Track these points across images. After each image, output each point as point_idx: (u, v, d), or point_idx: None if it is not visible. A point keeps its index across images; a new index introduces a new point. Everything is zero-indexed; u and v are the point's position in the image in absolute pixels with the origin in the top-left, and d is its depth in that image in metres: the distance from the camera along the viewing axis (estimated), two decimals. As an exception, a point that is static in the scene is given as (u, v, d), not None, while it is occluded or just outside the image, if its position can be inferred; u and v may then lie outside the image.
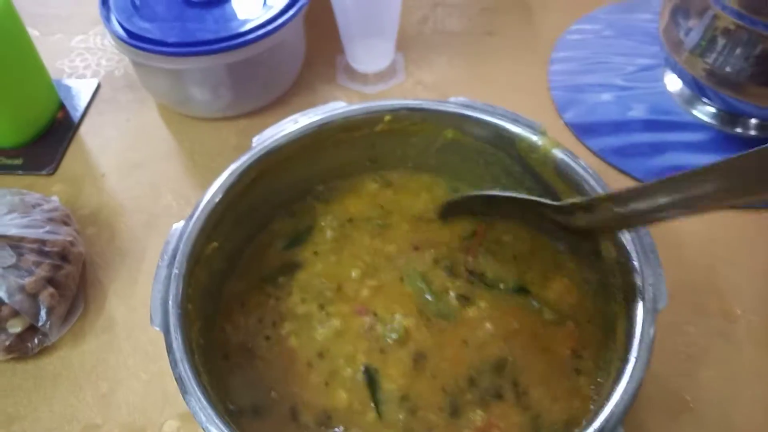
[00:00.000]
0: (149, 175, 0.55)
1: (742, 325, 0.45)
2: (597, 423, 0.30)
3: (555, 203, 0.38)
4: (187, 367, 0.32)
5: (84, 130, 0.59)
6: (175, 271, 0.35)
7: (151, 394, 0.43)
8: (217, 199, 0.38)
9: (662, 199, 0.31)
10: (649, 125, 0.57)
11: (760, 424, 0.41)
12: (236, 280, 0.42)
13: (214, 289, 0.40)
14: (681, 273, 0.47)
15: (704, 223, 0.51)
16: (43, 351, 0.45)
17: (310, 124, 0.42)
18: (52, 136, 0.58)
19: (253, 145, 0.41)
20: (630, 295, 0.35)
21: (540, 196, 0.43)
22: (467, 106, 0.42)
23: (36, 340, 0.44)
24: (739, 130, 0.56)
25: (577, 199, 0.37)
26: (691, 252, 0.49)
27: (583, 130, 0.57)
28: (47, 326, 0.44)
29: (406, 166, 0.47)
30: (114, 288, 0.48)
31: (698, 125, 0.57)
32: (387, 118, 0.43)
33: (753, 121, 0.55)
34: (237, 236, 0.41)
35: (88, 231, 0.51)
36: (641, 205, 0.32)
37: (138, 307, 0.47)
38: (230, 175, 0.39)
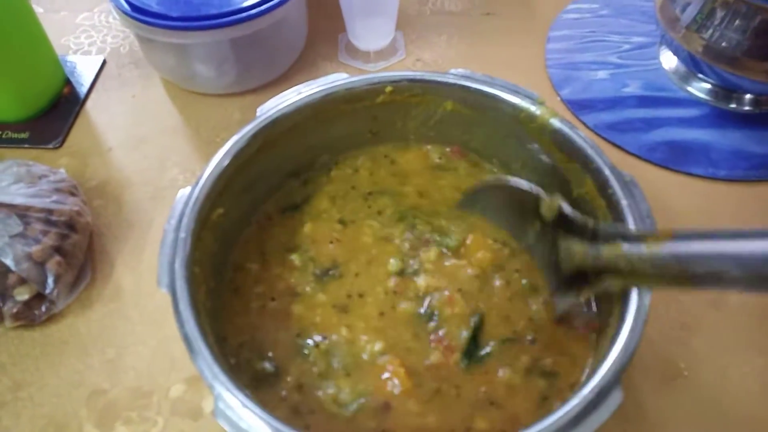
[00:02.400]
0: (155, 149, 0.56)
1: (735, 295, 0.46)
2: (595, 380, 0.31)
3: (588, 222, 0.35)
4: (194, 327, 0.33)
5: (90, 105, 0.60)
6: (182, 234, 0.36)
7: (158, 359, 0.44)
8: (223, 165, 0.39)
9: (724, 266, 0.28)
10: (644, 101, 0.58)
11: (752, 392, 0.42)
12: (241, 248, 0.42)
13: (220, 256, 0.41)
14: (675, 244, 0.48)
15: (697, 195, 0.52)
16: (51, 319, 0.46)
17: (313, 94, 0.42)
18: (58, 111, 0.59)
19: (258, 115, 0.41)
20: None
21: (539, 164, 0.44)
22: (467, 78, 0.43)
23: (43, 308, 0.45)
24: (733, 105, 0.57)
25: (613, 227, 0.34)
26: (684, 223, 0.50)
27: (579, 107, 0.58)
28: (54, 294, 0.45)
29: (407, 138, 0.48)
30: (121, 258, 0.49)
31: (692, 101, 0.57)
32: (388, 89, 0.43)
33: (747, 96, 0.56)
34: (243, 204, 0.42)
35: (95, 203, 0.52)
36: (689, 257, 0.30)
37: (145, 276, 0.48)
38: (236, 142, 0.40)
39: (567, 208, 0.37)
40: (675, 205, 0.51)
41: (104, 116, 0.59)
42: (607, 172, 0.38)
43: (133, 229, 0.51)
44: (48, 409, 0.42)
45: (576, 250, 0.36)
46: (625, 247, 0.32)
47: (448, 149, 0.47)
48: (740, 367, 0.43)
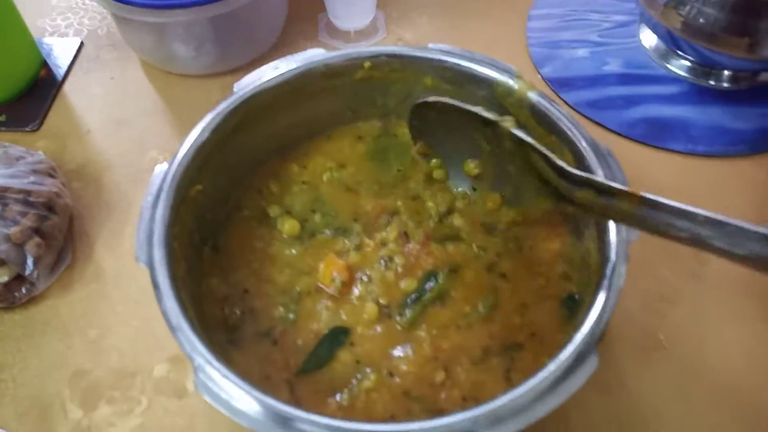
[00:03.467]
0: (134, 131, 0.55)
1: (714, 266, 0.46)
2: (571, 346, 0.31)
3: (559, 163, 0.35)
4: (173, 300, 0.32)
5: (68, 88, 0.59)
6: (159, 210, 0.35)
7: (141, 339, 0.44)
8: (202, 140, 0.39)
9: (692, 229, 0.30)
10: (624, 79, 0.58)
11: (735, 363, 0.42)
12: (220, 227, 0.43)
13: (200, 235, 0.40)
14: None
15: (676, 171, 0.52)
16: (31, 300, 0.46)
17: (291, 70, 0.42)
18: (35, 94, 0.58)
19: (235, 90, 0.41)
20: (602, 229, 0.36)
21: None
22: (446, 53, 0.43)
23: (23, 290, 0.45)
24: (712, 82, 0.57)
25: (591, 177, 0.34)
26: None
27: (559, 84, 0.58)
28: (35, 276, 0.44)
29: (387, 117, 0.48)
30: (101, 239, 0.49)
31: (672, 78, 0.58)
32: (367, 64, 0.43)
33: (726, 73, 0.56)
34: (221, 183, 0.42)
35: (74, 185, 0.52)
36: (660, 218, 0.32)
37: (126, 257, 0.48)
38: (214, 118, 0.40)
39: (523, 135, 0.37)
40: (653, 180, 0.52)
41: (82, 99, 0.58)
42: (583, 143, 0.38)
43: (112, 210, 0.50)
44: (31, 390, 0.42)
45: (549, 173, 0.36)
46: (599, 199, 0.34)
47: None
48: (722, 338, 0.43)
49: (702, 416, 0.40)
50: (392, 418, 0.35)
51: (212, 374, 0.31)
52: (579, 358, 0.31)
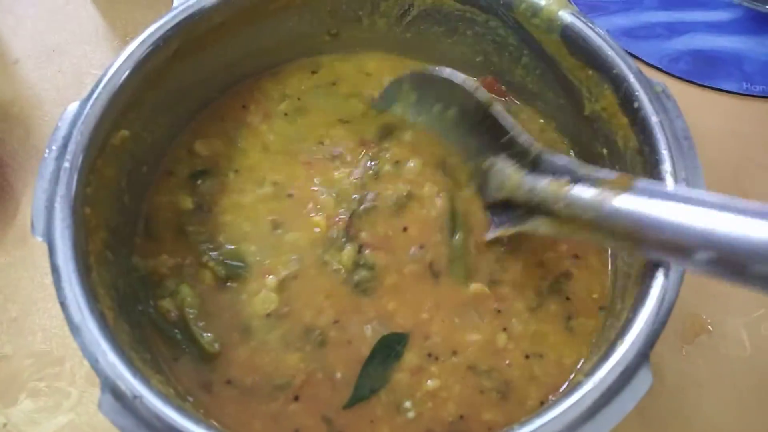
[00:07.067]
0: (72, 61, 0.48)
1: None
2: (615, 355, 0.24)
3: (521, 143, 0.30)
4: (77, 290, 0.24)
5: (-10, 7, 0.51)
6: (66, 164, 0.27)
7: (70, 318, 0.37)
8: (125, 74, 0.30)
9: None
10: (666, 3, 0.51)
11: None
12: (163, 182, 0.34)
13: (131, 195, 0.32)
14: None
15: (727, 115, 0.46)
16: (-61, 268, 0.39)
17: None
18: (-50, 14, 0.49)
19: (174, 6, 0.32)
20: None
21: (541, 75, 0.35)
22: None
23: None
24: (771, 7, 0.49)
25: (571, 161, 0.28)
26: (711, 149, 0.43)
27: (588, 9, 0.51)
28: (-58, 239, 0.36)
29: (376, 46, 0.38)
30: (29, 194, 0.42)
31: (724, 3, 0.51)
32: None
33: (791, -6, 0.48)
34: (160, 127, 0.33)
35: (-4, 126, 0.45)
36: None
37: (54, 216, 0.40)
38: (143, 43, 0.30)
39: (502, 115, 0.31)
40: (700, 127, 0.43)
41: (9, 21, 0.50)
42: (632, 78, 0.30)
43: (42, 158, 0.42)
44: (-67, 380, 0.36)
45: (509, 174, 0.30)
46: (572, 189, 0.27)
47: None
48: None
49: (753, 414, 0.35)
50: (461, 419, 0.29)
51: (126, 395, 0.23)
52: (625, 374, 0.23)
